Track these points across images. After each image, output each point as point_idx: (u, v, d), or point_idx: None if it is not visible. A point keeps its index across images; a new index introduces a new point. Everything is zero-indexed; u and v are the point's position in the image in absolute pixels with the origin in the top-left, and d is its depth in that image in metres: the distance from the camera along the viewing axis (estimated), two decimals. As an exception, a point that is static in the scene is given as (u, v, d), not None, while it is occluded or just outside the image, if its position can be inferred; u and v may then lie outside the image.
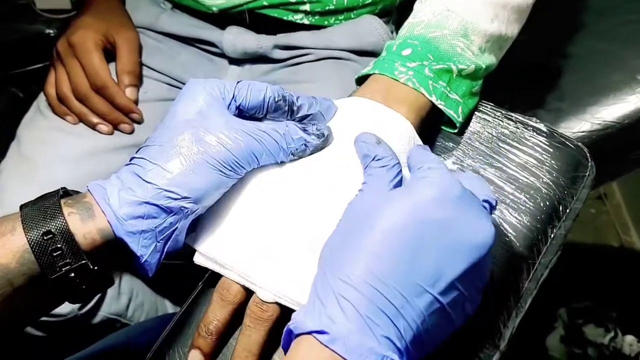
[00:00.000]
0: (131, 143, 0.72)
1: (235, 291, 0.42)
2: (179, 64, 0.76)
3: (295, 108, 0.43)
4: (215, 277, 0.47)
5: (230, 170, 0.39)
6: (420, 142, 0.46)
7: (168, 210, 0.37)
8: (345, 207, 0.38)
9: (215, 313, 0.41)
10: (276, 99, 0.42)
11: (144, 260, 0.38)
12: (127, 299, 0.82)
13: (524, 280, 0.44)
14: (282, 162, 0.42)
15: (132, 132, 0.73)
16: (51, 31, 0.91)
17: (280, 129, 0.41)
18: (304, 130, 0.42)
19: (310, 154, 0.43)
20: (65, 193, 0.39)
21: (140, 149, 0.40)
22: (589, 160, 0.48)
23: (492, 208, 0.37)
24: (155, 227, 0.37)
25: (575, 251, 1.34)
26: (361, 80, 0.50)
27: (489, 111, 0.51)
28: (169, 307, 0.95)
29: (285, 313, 0.41)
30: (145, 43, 0.76)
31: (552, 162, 0.48)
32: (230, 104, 0.41)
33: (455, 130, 0.50)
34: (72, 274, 0.35)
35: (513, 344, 0.43)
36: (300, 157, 0.42)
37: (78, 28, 0.70)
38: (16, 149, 0.71)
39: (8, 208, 0.66)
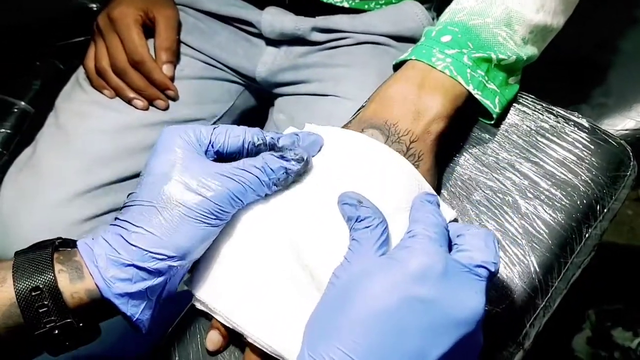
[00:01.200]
0: (165, 119, 0.73)
1: None
2: (216, 43, 0.76)
3: (276, 150, 0.42)
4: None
5: (215, 219, 0.38)
6: (427, 186, 0.42)
7: (156, 272, 0.37)
8: (335, 249, 0.36)
9: None
10: (256, 144, 0.41)
11: (135, 319, 0.37)
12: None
13: (554, 279, 0.43)
14: (268, 198, 0.41)
15: (166, 108, 0.73)
16: (94, 5, 0.92)
17: (257, 163, 0.39)
18: (283, 157, 0.40)
19: (294, 181, 0.41)
20: (61, 243, 0.38)
21: (123, 207, 0.39)
22: (632, 159, 0.47)
23: (491, 274, 0.35)
24: (145, 289, 0.37)
25: (608, 252, 1.30)
26: (398, 66, 0.49)
27: (529, 103, 0.50)
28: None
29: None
30: (184, 20, 0.76)
31: (593, 159, 0.46)
32: (208, 150, 0.40)
33: (492, 122, 0.49)
34: (57, 331, 0.35)
35: (538, 342, 0.42)
36: (283, 186, 0.41)
37: (119, 3, 0.71)
38: (54, 120, 0.72)
39: (43, 177, 0.68)
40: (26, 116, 0.86)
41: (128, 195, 0.39)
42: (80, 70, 0.76)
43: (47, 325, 0.35)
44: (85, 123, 0.70)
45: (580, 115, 0.48)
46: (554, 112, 0.49)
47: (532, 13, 0.48)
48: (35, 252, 0.37)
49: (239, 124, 0.83)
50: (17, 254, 0.37)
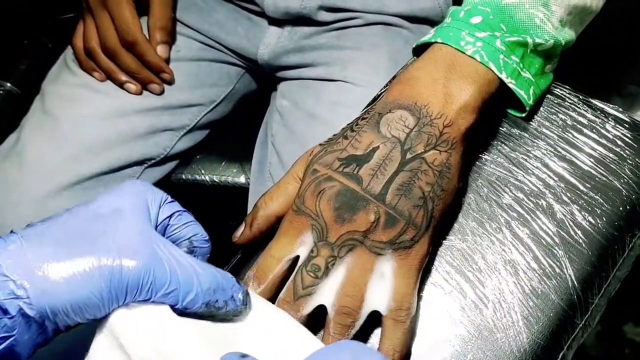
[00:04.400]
0: (160, 105, 0.68)
1: (265, 285, 0.37)
2: (215, 22, 0.71)
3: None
4: (240, 265, 0.43)
5: (108, 293, 0.28)
6: None
7: (3, 309, 0.27)
8: None
9: None
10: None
11: None
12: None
13: (594, 296, 0.38)
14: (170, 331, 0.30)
15: (161, 93, 0.68)
16: (84, -20, 0.87)
17: (210, 268, 0.32)
18: (237, 282, 0.33)
19: (219, 318, 0.33)
20: None
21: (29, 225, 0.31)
22: (679, 159, 0.42)
23: None
24: None
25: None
26: (419, 50, 0.44)
27: (564, 95, 0.45)
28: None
29: (317, 313, 0.36)
30: (180, -3, 0.70)
31: (637, 159, 0.41)
32: (159, 225, 0.33)
33: (524, 115, 0.43)
34: None
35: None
36: (208, 315, 0.32)
37: (109, -23, 0.65)
38: (40, 104, 0.68)
39: (29, 166, 0.63)
40: (12, 98, 0.81)
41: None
42: (69, 51, 0.71)
43: None
44: (74, 108, 0.66)
45: (621, 109, 0.43)
46: (592, 105, 0.44)
47: (571, -8, 0.43)
48: None
49: (239, 110, 0.80)
50: None
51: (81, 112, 0.65)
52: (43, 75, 0.72)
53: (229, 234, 0.42)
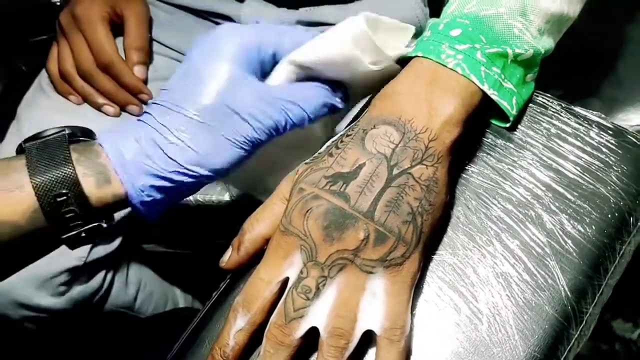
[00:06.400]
0: (140, 126, 0.67)
1: (256, 310, 0.36)
2: (192, 40, 0.70)
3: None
4: (229, 289, 0.42)
5: (253, 147, 0.39)
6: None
7: (186, 185, 0.38)
8: None
9: (232, 335, 0.36)
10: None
11: (149, 218, 0.39)
12: (135, 289, 0.77)
13: (588, 305, 0.38)
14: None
15: (140, 114, 0.67)
16: (57, 1, 0.85)
17: (309, 92, 0.41)
18: (334, 92, 0.42)
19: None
20: (71, 134, 0.37)
21: (158, 104, 0.38)
22: (664, 164, 0.42)
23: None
24: (170, 197, 0.38)
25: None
26: (399, 64, 0.44)
27: (547, 103, 0.45)
28: (179, 297, 0.91)
29: (310, 336, 0.35)
30: (156, 16, 0.69)
31: (622, 166, 0.41)
32: (265, 60, 0.41)
33: (508, 125, 0.43)
34: (84, 234, 0.35)
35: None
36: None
37: (83, -1, 0.64)
38: (16, 130, 0.66)
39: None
40: (-14, 124, 0.79)
41: (164, 93, 0.39)
42: (43, 74, 0.69)
43: (74, 230, 0.35)
44: (51, 133, 0.64)
45: (603, 116, 0.43)
46: (574, 112, 0.44)
47: (548, 1, 0.43)
48: (49, 150, 0.35)
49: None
50: (26, 152, 0.35)
51: (58, 137, 0.64)
52: (17, 100, 0.71)
53: (218, 254, 0.41)
